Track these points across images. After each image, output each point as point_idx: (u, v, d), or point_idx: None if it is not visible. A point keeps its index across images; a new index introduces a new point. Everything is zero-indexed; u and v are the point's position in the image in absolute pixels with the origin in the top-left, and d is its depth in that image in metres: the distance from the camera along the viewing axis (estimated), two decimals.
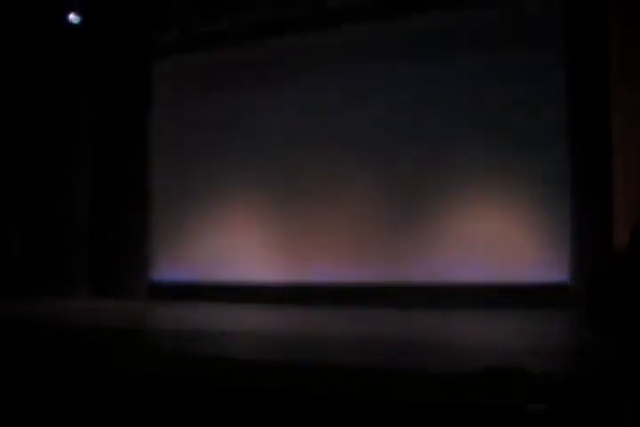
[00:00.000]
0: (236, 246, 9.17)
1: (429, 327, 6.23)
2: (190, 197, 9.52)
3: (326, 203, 8.67)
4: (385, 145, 8.43)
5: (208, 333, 5.65)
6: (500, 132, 7.82)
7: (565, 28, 7.49)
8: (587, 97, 7.25)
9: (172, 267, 9.57)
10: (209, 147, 9.49)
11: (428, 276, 7.98)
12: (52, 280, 9.57)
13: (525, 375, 3.35)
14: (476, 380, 3.27)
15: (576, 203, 7.31)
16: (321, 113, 8.77)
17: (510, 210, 7.82)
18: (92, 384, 3.42)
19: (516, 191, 7.76)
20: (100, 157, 10.12)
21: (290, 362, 3.92)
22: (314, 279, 8.53)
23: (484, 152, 7.89)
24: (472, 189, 7.97)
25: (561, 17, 7.53)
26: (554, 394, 3.00)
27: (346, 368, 3.72)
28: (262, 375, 3.56)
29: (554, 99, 7.49)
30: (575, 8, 7.41)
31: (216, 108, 9.47)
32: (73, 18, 9.16)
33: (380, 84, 8.47)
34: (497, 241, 7.78)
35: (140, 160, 9.86)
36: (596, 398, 2.93)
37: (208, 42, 9.50)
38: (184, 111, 9.70)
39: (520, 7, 7.78)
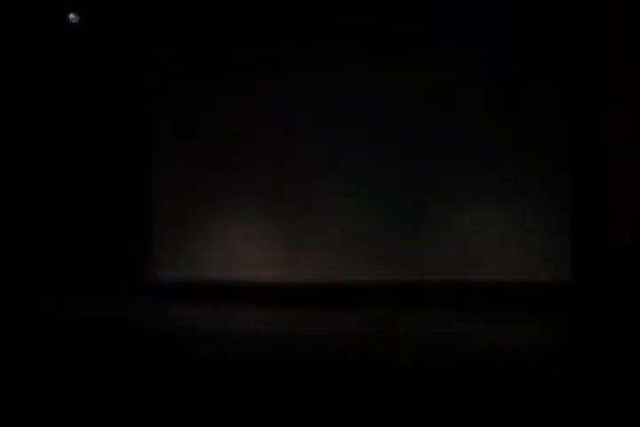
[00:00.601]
0: (237, 246, 9.16)
1: (429, 327, 6.23)
2: (191, 197, 9.50)
3: (327, 203, 8.66)
4: (386, 145, 8.42)
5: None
6: (501, 132, 7.84)
7: (565, 31, 7.51)
8: (586, 97, 7.26)
9: (172, 267, 9.55)
10: (210, 147, 9.47)
11: (428, 276, 7.97)
12: (51, 280, 9.55)
13: (525, 375, 3.35)
14: (475, 379, 3.27)
15: (576, 203, 7.32)
16: (321, 114, 8.76)
17: (511, 210, 7.81)
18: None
19: (517, 191, 7.75)
20: (100, 156, 10.10)
21: (289, 361, 3.92)
22: (313, 280, 8.52)
23: (485, 152, 7.91)
24: (472, 189, 7.96)
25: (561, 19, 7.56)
26: (554, 393, 3.00)
27: (345, 368, 3.72)
28: (262, 375, 3.56)
29: (554, 99, 7.51)
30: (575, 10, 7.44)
31: (217, 108, 9.45)
32: (73, 18, 9.15)
33: (380, 86, 8.46)
34: (497, 241, 7.77)
35: (141, 160, 9.84)
36: (595, 396, 2.93)
37: (208, 42, 9.48)
38: (185, 111, 9.68)
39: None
